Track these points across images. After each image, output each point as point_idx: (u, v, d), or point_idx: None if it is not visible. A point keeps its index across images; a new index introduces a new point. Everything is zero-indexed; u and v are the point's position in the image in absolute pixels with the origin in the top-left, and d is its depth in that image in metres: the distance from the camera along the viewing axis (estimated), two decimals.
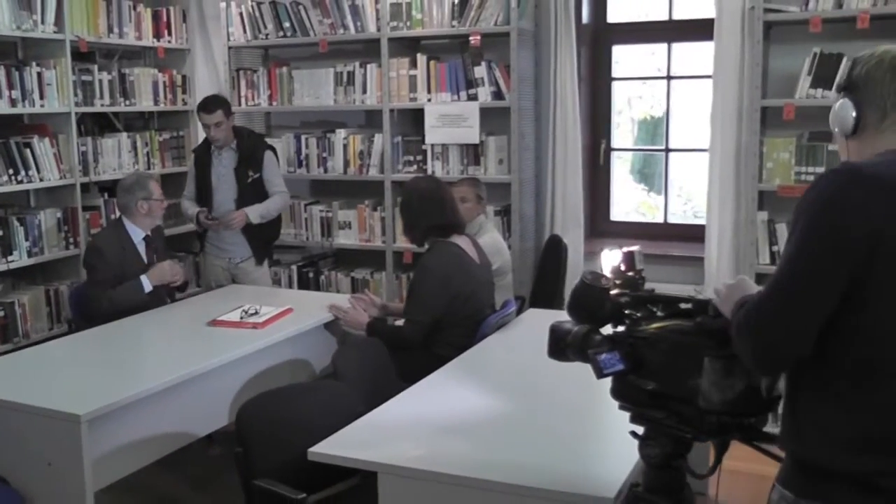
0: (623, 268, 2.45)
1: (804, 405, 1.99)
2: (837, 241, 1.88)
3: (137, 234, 5.10)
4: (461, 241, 4.54)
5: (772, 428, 2.16)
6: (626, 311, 2.38)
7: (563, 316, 2.49)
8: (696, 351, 2.14)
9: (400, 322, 4.55)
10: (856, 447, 1.90)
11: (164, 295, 5.21)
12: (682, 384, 2.18)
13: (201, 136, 6.43)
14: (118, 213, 5.24)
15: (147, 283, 5.00)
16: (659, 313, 2.35)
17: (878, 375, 1.90)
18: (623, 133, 6.48)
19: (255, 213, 5.73)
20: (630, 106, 6.44)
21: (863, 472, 1.89)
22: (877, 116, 2.05)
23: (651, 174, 6.36)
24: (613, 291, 2.41)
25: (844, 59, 4.84)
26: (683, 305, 2.29)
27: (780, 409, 2.14)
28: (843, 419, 1.91)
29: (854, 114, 2.07)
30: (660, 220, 6.25)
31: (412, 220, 4.57)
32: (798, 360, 1.95)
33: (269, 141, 6.44)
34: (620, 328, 2.38)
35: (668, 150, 6.15)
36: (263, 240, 5.94)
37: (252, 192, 5.77)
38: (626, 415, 2.38)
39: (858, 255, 1.86)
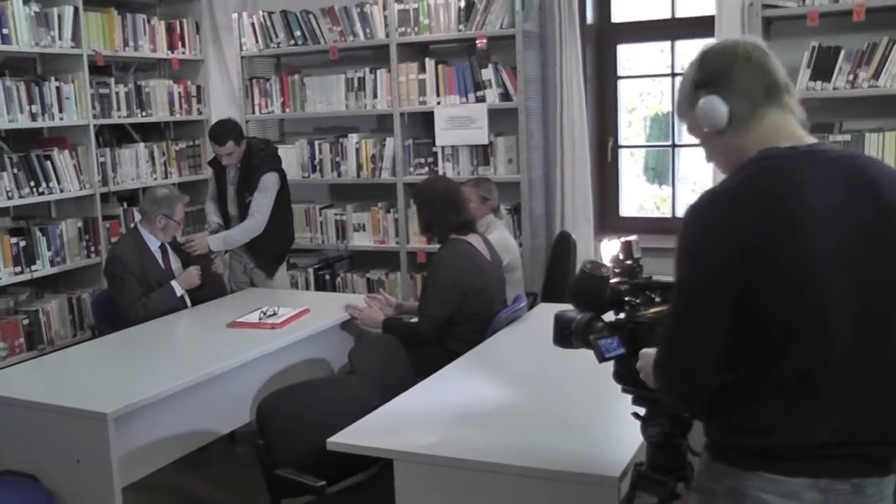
0: (622, 257, 2.53)
1: (713, 398, 2.05)
2: (713, 269, 1.94)
3: (153, 242, 5.21)
4: (472, 238, 4.63)
5: None
6: (626, 298, 2.47)
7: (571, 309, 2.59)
8: None
9: (415, 319, 4.66)
10: (745, 432, 1.99)
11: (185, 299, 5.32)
12: None
13: None
14: (136, 218, 5.34)
15: (178, 288, 5.15)
16: (657, 299, 2.45)
17: (760, 377, 1.97)
18: (636, 130, 6.57)
19: (218, 240, 5.70)
20: (643, 103, 6.53)
21: (751, 447, 1.99)
22: (747, 108, 2.06)
23: (666, 170, 6.44)
24: (613, 280, 2.50)
25: (842, 52, 4.94)
26: None
27: None
28: (740, 411, 1.99)
29: (725, 108, 2.06)
30: (669, 214, 6.34)
31: (433, 219, 4.64)
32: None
33: (283, 147, 6.56)
34: (622, 315, 2.48)
35: (674, 146, 6.25)
36: (268, 254, 5.93)
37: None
38: (629, 398, 2.47)
39: (735, 275, 1.92)
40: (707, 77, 2.10)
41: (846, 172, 1.98)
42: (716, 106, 2.07)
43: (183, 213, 5.32)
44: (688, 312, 2.01)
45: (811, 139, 2.07)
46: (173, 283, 5.17)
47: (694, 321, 2.00)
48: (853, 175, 1.98)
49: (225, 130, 5.70)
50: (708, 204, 1.99)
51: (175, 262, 5.33)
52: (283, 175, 5.91)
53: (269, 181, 5.76)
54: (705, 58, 2.12)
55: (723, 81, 2.07)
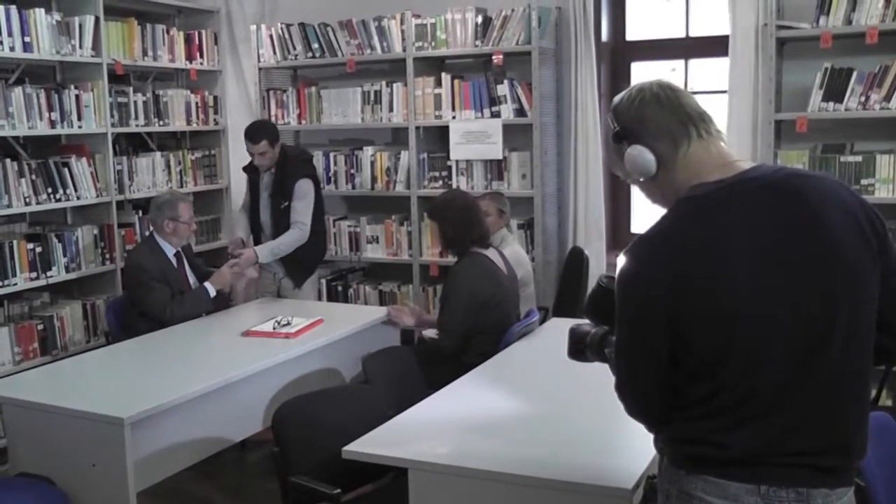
0: None
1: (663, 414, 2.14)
2: (646, 311, 2.02)
3: (169, 249, 5.24)
4: (489, 252, 4.68)
5: None
6: None
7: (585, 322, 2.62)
8: None
9: (431, 333, 4.69)
10: (687, 442, 2.06)
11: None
12: None
13: (233, 155, 6.62)
14: (151, 227, 5.36)
15: (212, 289, 5.18)
16: None
17: (704, 403, 2.03)
18: None
19: (266, 251, 5.62)
20: None
21: (694, 455, 2.05)
22: (670, 147, 2.11)
23: None
24: None
25: (854, 73, 4.98)
26: None
27: None
28: (684, 426, 2.07)
29: (651, 156, 2.12)
30: None
31: (457, 235, 4.66)
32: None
33: None
34: None
35: None
36: (299, 263, 5.87)
37: (285, 218, 5.72)
38: None
39: (665, 317, 1.99)
40: (625, 128, 2.16)
41: (777, 201, 1.99)
42: (642, 154, 2.13)
43: (189, 213, 5.30)
44: (627, 347, 2.11)
45: (743, 164, 2.08)
46: (206, 283, 5.20)
47: (633, 355, 2.10)
48: (786, 203, 1.99)
49: (259, 129, 5.74)
50: (639, 251, 2.05)
51: (191, 277, 5.36)
52: (317, 182, 5.91)
53: (306, 187, 5.76)
54: (617, 111, 2.18)
55: (641, 128, 2.13)
